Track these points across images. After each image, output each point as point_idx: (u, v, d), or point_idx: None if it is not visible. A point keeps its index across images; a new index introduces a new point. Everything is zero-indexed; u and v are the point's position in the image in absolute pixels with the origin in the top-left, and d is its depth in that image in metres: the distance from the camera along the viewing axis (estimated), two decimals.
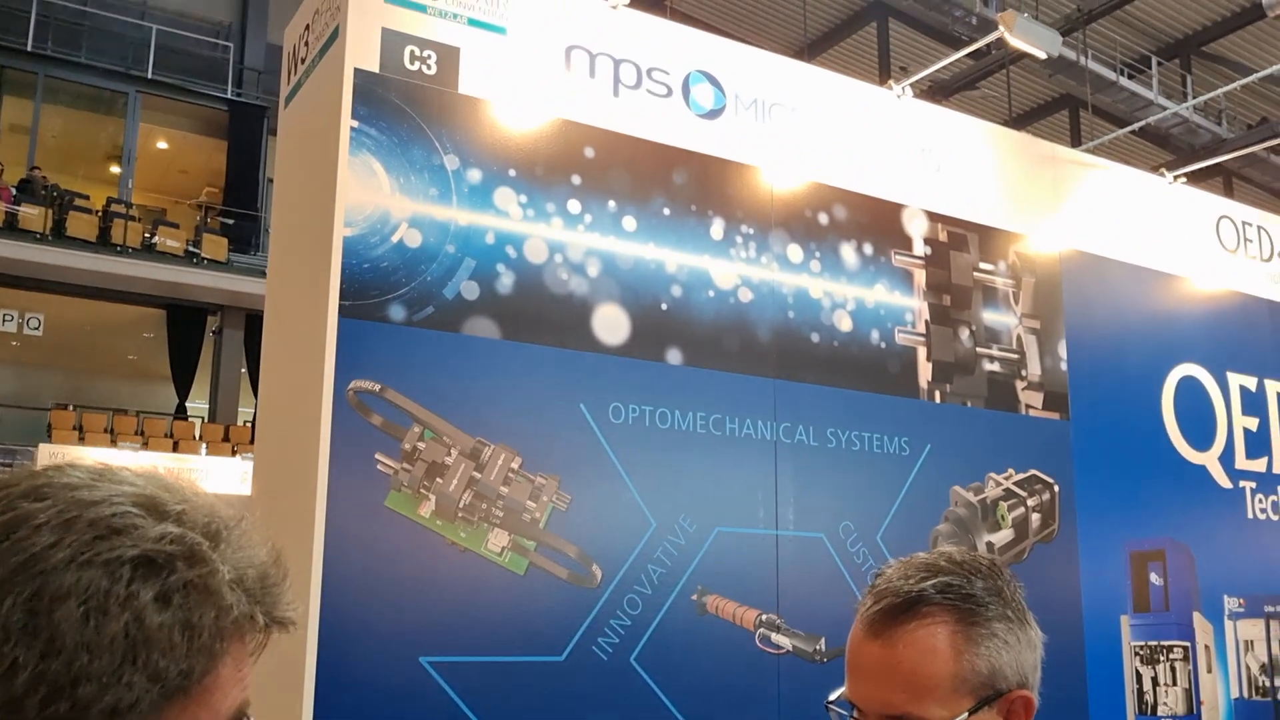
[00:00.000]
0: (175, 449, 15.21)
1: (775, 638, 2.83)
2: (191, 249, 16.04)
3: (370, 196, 2.52)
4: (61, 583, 0.91)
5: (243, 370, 16.65)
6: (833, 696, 1.67)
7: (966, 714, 1.52)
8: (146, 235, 15.74)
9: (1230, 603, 3.86)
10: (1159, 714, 3.60)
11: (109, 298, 15.87)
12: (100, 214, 15.60)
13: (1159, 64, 16.82)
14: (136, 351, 19.08)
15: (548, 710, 2.52)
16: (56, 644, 0.90)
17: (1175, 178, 4.09)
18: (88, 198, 15.87)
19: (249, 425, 15.98)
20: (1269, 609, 3.97)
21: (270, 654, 2.31)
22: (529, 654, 2.52)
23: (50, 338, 16.27)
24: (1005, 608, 1.57)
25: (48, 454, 13.22)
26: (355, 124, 2.53)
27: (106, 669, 0.91)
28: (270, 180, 16.04)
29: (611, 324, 2.76)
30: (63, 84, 16.71)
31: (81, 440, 14.66)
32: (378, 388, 2.45)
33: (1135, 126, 16.04)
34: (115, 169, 17.73)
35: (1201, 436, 3.90)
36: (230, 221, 17.02)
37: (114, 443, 14.75)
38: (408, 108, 2.60)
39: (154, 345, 17.61)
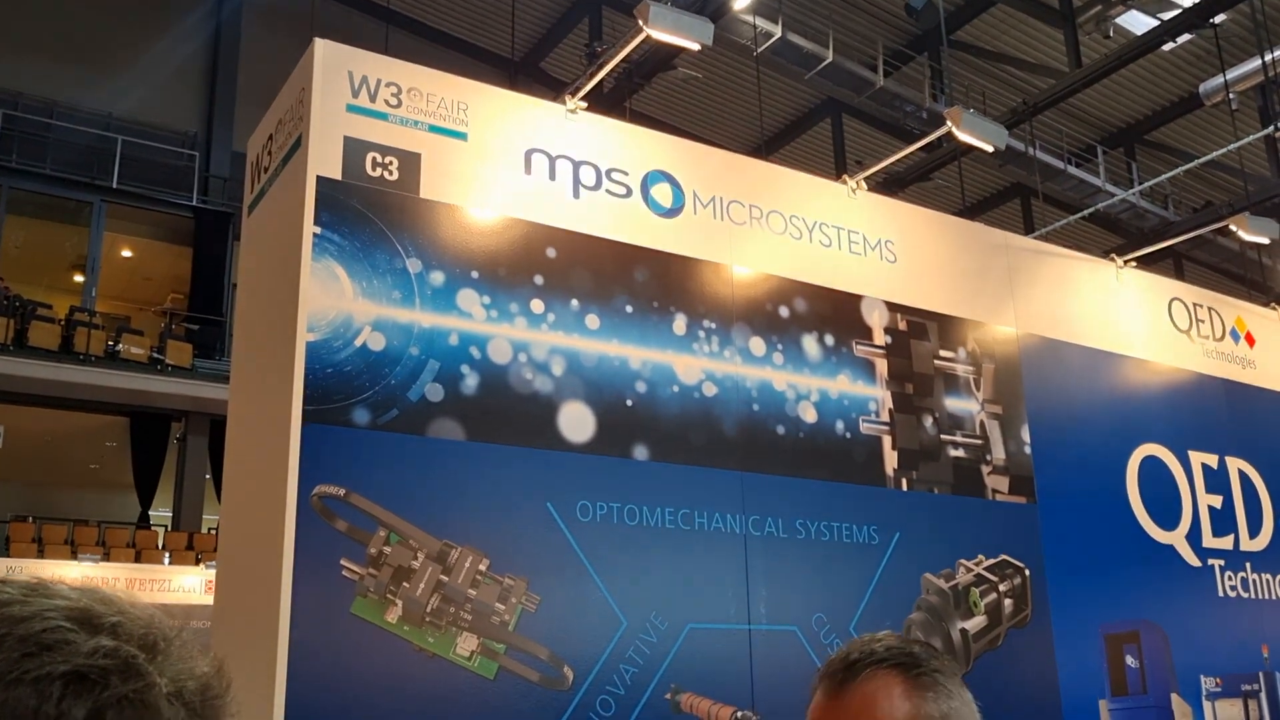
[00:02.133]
0: (138, 559, 14.90)
1: None
2: (155, 355, 15.94)
3: (333, 301, 2.53)
4: None
5: (207, 477, 16.42)
6: None
7: None
8: (110, 343, 15.64)
9: (1207, 683, 3.84)
10: None
11: (71, 406, 15.70)
12: (63, 323, 15.52)
13: (1104, 152, 17.30)
14: (99, 460, 18.81)
15: None
16: None
17: (1125, 262, 4.19)
18: (50, 307, 15.79)
19: (213, 533, 15.72)
20: (1246, 688, 3.96)
21: None
22: None
23: (10, 449, 16.01)
24: (943, 665, 1.66)
25: (4, 568, 12.91)
26: (318, 230, 2.55)
27: None
28: (235, 285, 16.06)
29: (577, 422, 2.76)
30: (27, 195, 16.76)
31: (41, 553, 14.32)
32: (342, 492, 2.43)
33: (1085, 213, 16.43)
34: (79, 277, 17.69)
35: (1168, 516, 3.92)
36: (195, 327, 16.97)
37: (74, 554, 14.43)
38: (370, 213, 2.63)
39: (117, 454, 17.38)
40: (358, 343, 2.54)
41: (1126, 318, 4.09)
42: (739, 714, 2.79)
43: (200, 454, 16.37)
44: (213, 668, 1.05)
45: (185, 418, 16.42)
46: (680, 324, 2.99)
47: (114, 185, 16.90)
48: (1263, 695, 4.01)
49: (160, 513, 17.35)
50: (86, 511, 17.82)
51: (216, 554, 2.96)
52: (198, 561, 14.95)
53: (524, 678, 2.53)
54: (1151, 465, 3.93)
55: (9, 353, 14.50)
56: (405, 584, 2.44)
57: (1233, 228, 5.78)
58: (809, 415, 3.15)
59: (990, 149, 5.86)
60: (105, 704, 0.93)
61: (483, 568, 2.54)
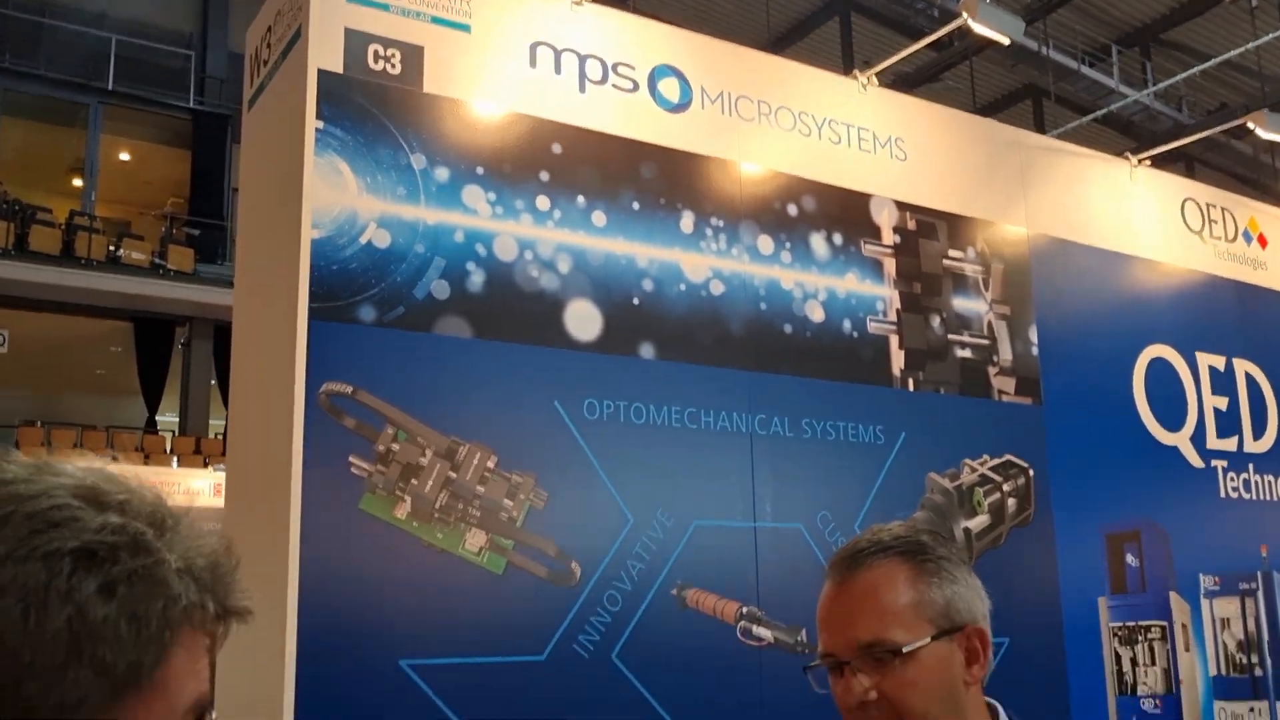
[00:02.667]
0: (146, 462, 15.05)
1: (756, 630, 2.83)
2: (157, 261, 15.89)
3: (337, 197, 2.50)
4: None
5: (212, 383, 16.50)
6: (809, 664, 1.75)
7: (929, 639, 1.62)
8: (111, 248, 15.58)
9: (1206, 581, 3.89)
10: (1139, 694, 3.62)
11: (75, 311, 15.70)
12: (63, 227, 15.43)
13: (1119, 52, 16.98)
14: (104, 366, 18.88)
15: (530, 710, 2.50)
16: None
17: (1140, 161, 4.12)
18: (50, 211, 15.69)
19: (220, 438, 15.84)
20: (1244, 586, 4.01)
21: (250, 659, 2.31)
22: (509, 654, 2.50)
23: (16, 354, 16.06)
24: (950, 551, 1.71)
25: None
26: (320, 125, 2.50)
27: (50, 665, 0.88)
28: (235, 190, 15.92)
29: (584, 320, 2.75)
30: (21, 96, 16.52)
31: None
32: (350, 390, 2.43)
33: (1098, 114, 16.19)
34: (77, 181, 17.54)
35: (1173, 417, 3.93)
36: (196, 232, 16.88)
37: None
38: (373, 107, 2.58)
39: (122, 359, 17.43)
40: (363, 240, 2.51)
41: (1139, 218, 4.05)
42: (744, 609, 2.83)
43: (205, 359, 16.42)
44: (221, 545, 1.05)
45: (189, 323, 16.42)
46: (688, 221, 2.95)
47: (110, 87, 16.64)
48: (1260, 594, 4.06)
49: (167, 418, 17.47)
50: (94, 416, 17.96)
51: (225, 455, 2.97)
52: (205, 465, 15.10)
53: (532, 573, 2.56)
54: (1158, 367, 3.92)
55: (10, 257, 14.45)
56: (414, 480, 2.45)
57: (1251, 125, 5.69)
58: (816, 314, 3.13)
59: (1006, 42, 5.73)
60: (115, 579, 0.93)
61: (490, 465, 2.55)
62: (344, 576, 2.36)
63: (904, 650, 1.62)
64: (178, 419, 17.00)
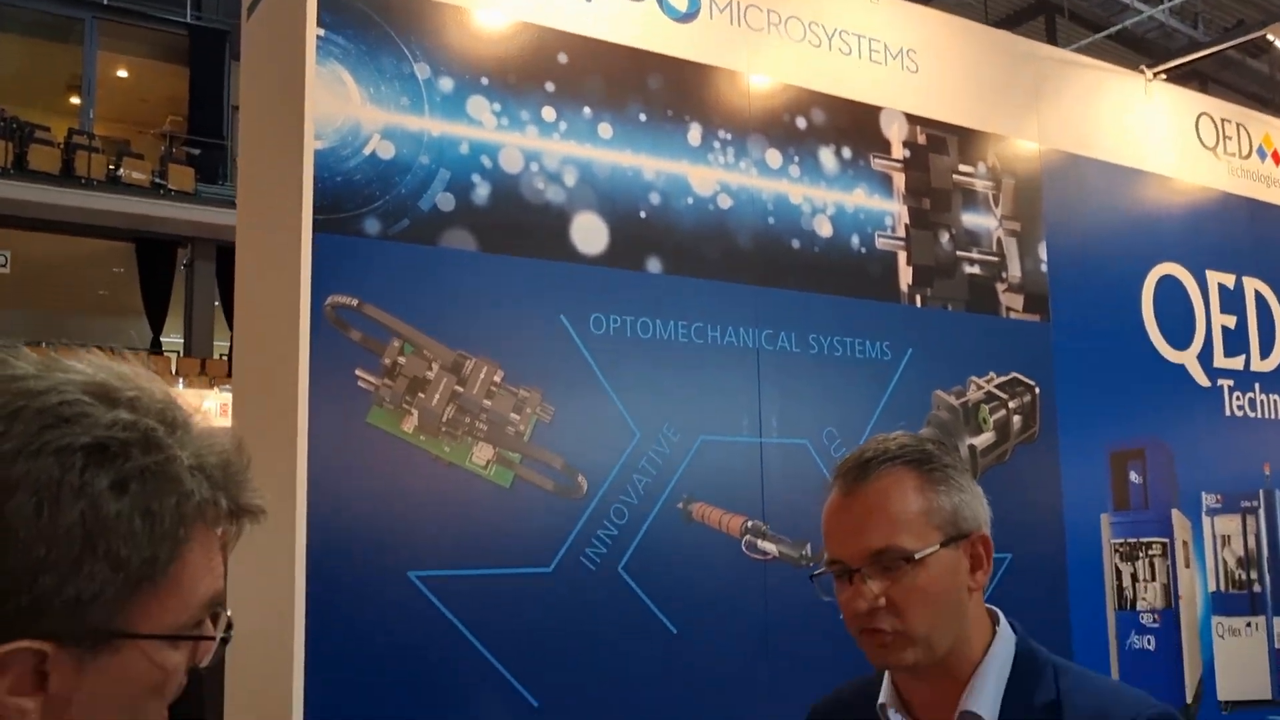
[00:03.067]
0: None
1: (761, 544, 2.85)
2: (157, 180, 15.76)
3: (340, 107, 2.46)
4: (10, 474, 0.88)
5: (216, 304, 16.48)
6: (815, 572, 1.76)
7: (937, 546, 1.63)
8: (110, 167, 15.44)
9: (1208, 499, 3.91)
10: (1138, 609, 3.66)
11: (76, 232, 15.61)
12: (62, 146, 15.28)
13: None
14: (108, 287, 18.85)
15: (535, 620, 2.53)
16: (10, 536, 0.87)
17: (1155, 75, 4.05)
18: (48, 130, 15.52)
19: (225, 359, 15.89)
20: (1245, 504, 4.03)
21: (260, 573, 2.32)
22: (517, 566, 2.52)
23: (19, 275, 16.03)
24: (956, 461, 1.73)
25: None
26: (321, 33, 2.45)
27: (65, 560, 0.88)
28: (235, 108, 15.73)
29: (590, 233, 2.72)
30: (15, 11, 16.24)
31: None
32: (355, 302, 2.41)
33: (1111, 31, 15.88)
34: (75, 99, 17.32)
35: (1180, 336, 3.91)
36: (196, 151, 16.71)
37: None
38: (375, 15, 2.52)
39: (125, 280, 17.38)
40: (366, 151, 2.48)
41: (1152, 134, 3.99)
42: (749, 524, 2.84)
43: (208, 280, 16.37)
44: (232, 444, 1.04)
45: (190, 244, 16.33)
46: (695, 134, 2.91)
47: (104, 1, 16.34)
48: (1261, 512, 4.08)
49: (172, 339, 17.48)
50: (98, 337, 17.96)
51: (231, 373, 2.96)
52: (211, 386, 15.15)
53: (539, 486, 2.57)
54: (1168, 284, 3.90)
55: (9, 176, 14.33)
56: (420, 394, 2.45)
57: (1271, 37, 5.58)
58: (824, 229, 3.10)
59: None
60: (128, 475, 0.93)
61: (497, 379, 2.54)
62: (352, 490, 2.37)
63: (915, 557, 1.64)
64: (182, 341, 17.01)
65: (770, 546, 2.86)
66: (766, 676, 2.80)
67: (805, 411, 2.99)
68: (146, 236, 16.24)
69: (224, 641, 1.06)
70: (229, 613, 1.05)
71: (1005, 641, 1.77)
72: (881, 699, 1.83)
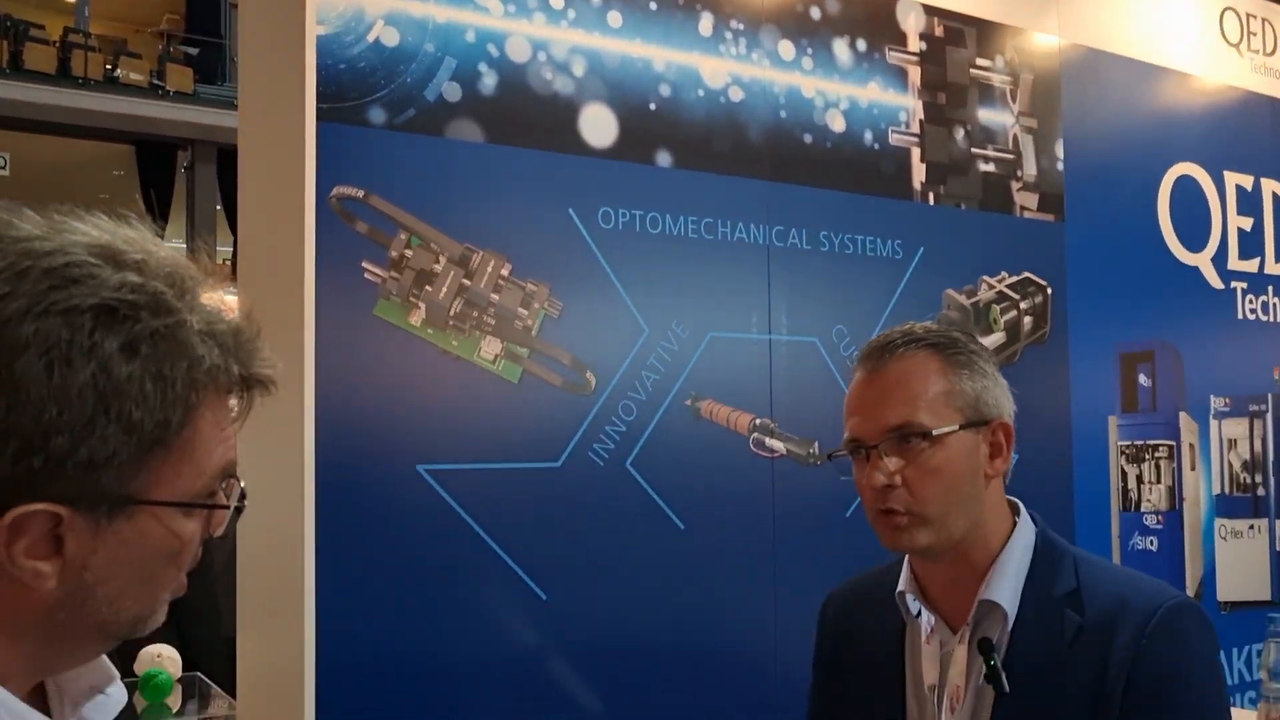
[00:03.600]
0: None
1: (769, 442, 2.85)
2: (155, 81, 15.53)
3: None
4: (19, 334, 0.87)
5: (218, 208, 16.37)
6: (833, 451, 1.77)
7: (956, 427, 1.63)
8: (108, 67, 15.20)
9: (1216, 402, 3.91)
10: (1142, 510, 3.68)
11: (74, 134, 15.44)
12: (58, 45, 15.03)
13: None
14: (108, 190, 18.69)
15: (545, 515, 2.54)
16: (22, 396, 0.86)
17: None
18: (43, 27, 15.25)
19: (228, 263, 15.83)
20: (1253, 408, 4.03)
21: (270, 466, 2.31)
22: (525, 460, 2.53)
23: (18, 178, 15.90)
24: (982, 351, 1.73)
25: None
26: None
27: (77, 421, 0.88)
28: (233, 5, 15.41)
29: (599, 125, 2.66)
30: None
31: None
32: (361, 194, 2.37)
33: None
34: None
35: (1195, 237, 3.86)
36: (194, 51, 16.43)
37: None
38: None
39: (125, 183, 17.24)
40: (370, 38, 2.41)
41: (1176, 28, 3.88)
42: (756, 421, 2.84)
43: (209, 183, 16.23)
44: (242, 312, 1.02)
45: (190, 146, 16.15)
46: (706, 24, 2.83)
47: None
48: (1269, 415, 4.08)
49: (174, 244, 17.40)
50: None
51: (236, 272, 2.93)
52: (214, 289, 15.05)
53: (548, 381, 2.56)
54: (1184, 185, 3.83)
55: (5, 76, 14.12)
56: (428, 287, 2.43)
57: None
58: (837, 124, 3.03)
59: None
60: (138, 338, 0.91)
61: (505, 273, 2.51)
62: (360, 383, 2.35)
63: (932, 434, 1.64)
64: (184, 244, 16.94)
65: (778, 444, 2.86)
66: (773, 573, 2.82)
67: (815, 309, 2.96)
68: (146, 139, 16.05)
69: (238, 511, 1.06)
70: (242, 483, 1.05)
71: (1025, 532, 1.77)
72: (900, 586, 1.84)
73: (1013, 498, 1.80)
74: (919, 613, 1.79)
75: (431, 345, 2.43)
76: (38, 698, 1.03)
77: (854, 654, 1.91)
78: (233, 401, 1.03)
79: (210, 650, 4.12)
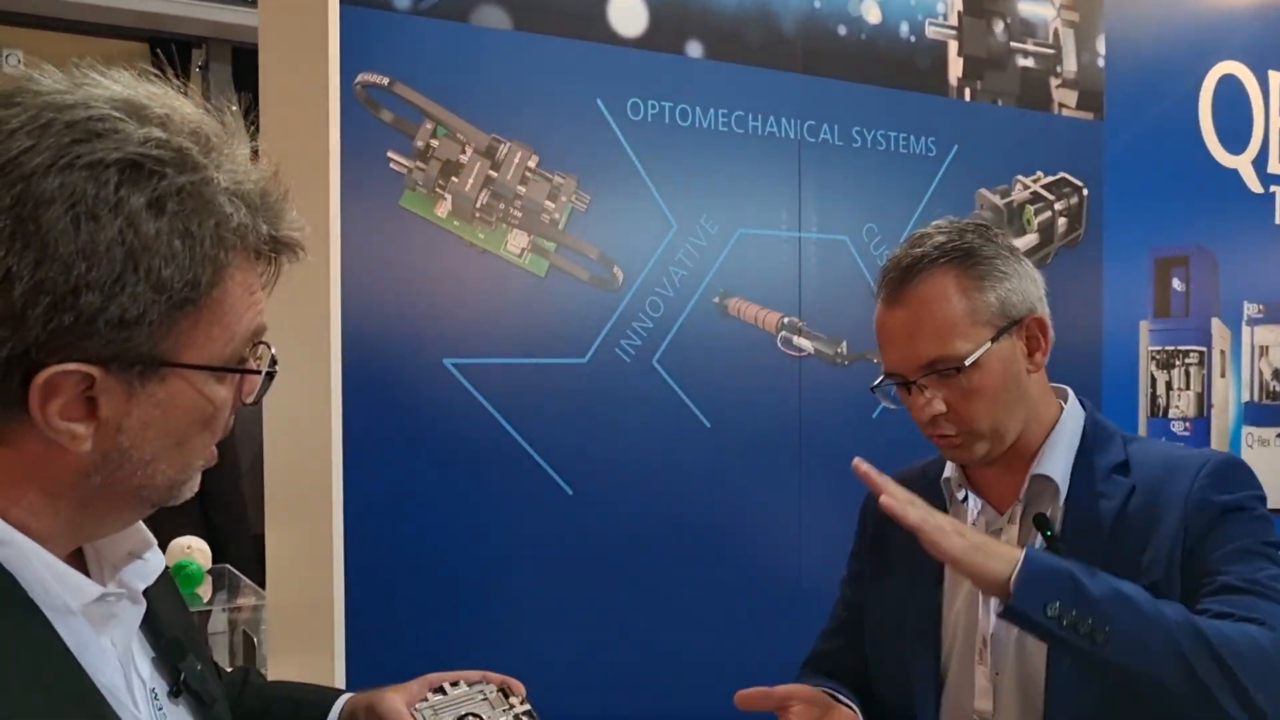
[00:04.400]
0: None
1: (797, 340, 2.82)
2: None
3: None
4: (44, 188, 0.85)
5: (234, 109, 16.19)
6: (875, 383, 1.77)
7: (989, 343, 1.64)
8: None
9: (1250, 309, 3.85)
10: (1169, 416, 3.65)
11: (88, 31, 15.23)
12: None
13: None
14: None
15: (571, 410, 2.53)
16: (50, 251, 0.85)
17: None
18: None
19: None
20: None
21: (297, 359, 2.28)
22: (552, 356, 2.51)
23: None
24: (998, 249, 1.71)
25: None
26: None
27: (107, 278, 0.87)
28: None
29: (628, 13, 2.59)
30: None
31: None
32: (386, 81, 2.32)
33: None
34: None
35: (1236, 139, 3.76)
36: None
37: None
38: None
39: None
40: None
41: None
42: (785, 320, 2.81)
43: (224, 83, 16.05)
44: (268, 172, 1.00)
45: (205, 44, 15.94)
46: None
47: None
48: None
49: None
50: None
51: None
52: None
53: (575, 276, 2.53)
54: (1227, 84, 3.72)
55: None
56: (454, 178, 2.38)
57: None
58: (873, 15, 2.94)
59: None
60: (164, 194, 0.89)
61: (532, 164, 2.46)
62: (386, 275, 2.33)
63: (965, 364, 1.65)
64: None
65: (806, 343, 2.83)
66: (798, 472, 2.82)
67: (846, 207, 2.90)
68: (161, 37, 15.85)
69: (269, 376, 1.05)
70: (273, 349, 1.04)
71: (1074, 414, 1.80)
72: (946, 474, 1.86)
73: (1060, 384, 1.81)
74: (965, 498, 1.82)
75: (457, 238, 2.39)
76: (77, 562, 1.03)
77: (896, 539, 1.92)
78: (260, 262, 1.02)
79: (238, 546, 4.19)
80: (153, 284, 0.89)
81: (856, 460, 1.58)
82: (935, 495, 1.87)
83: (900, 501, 1.51)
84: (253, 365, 1.02)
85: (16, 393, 0.89)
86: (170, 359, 0.94)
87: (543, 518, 2.50)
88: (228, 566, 3.41)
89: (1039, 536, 1.68)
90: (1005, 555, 1.47)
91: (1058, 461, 1.72)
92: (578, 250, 2.53)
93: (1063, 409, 1.77)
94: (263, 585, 2.98)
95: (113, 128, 0.89)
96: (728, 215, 2.72)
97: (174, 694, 1.13)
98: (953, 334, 1.63)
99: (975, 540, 1.50)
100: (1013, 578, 1.44)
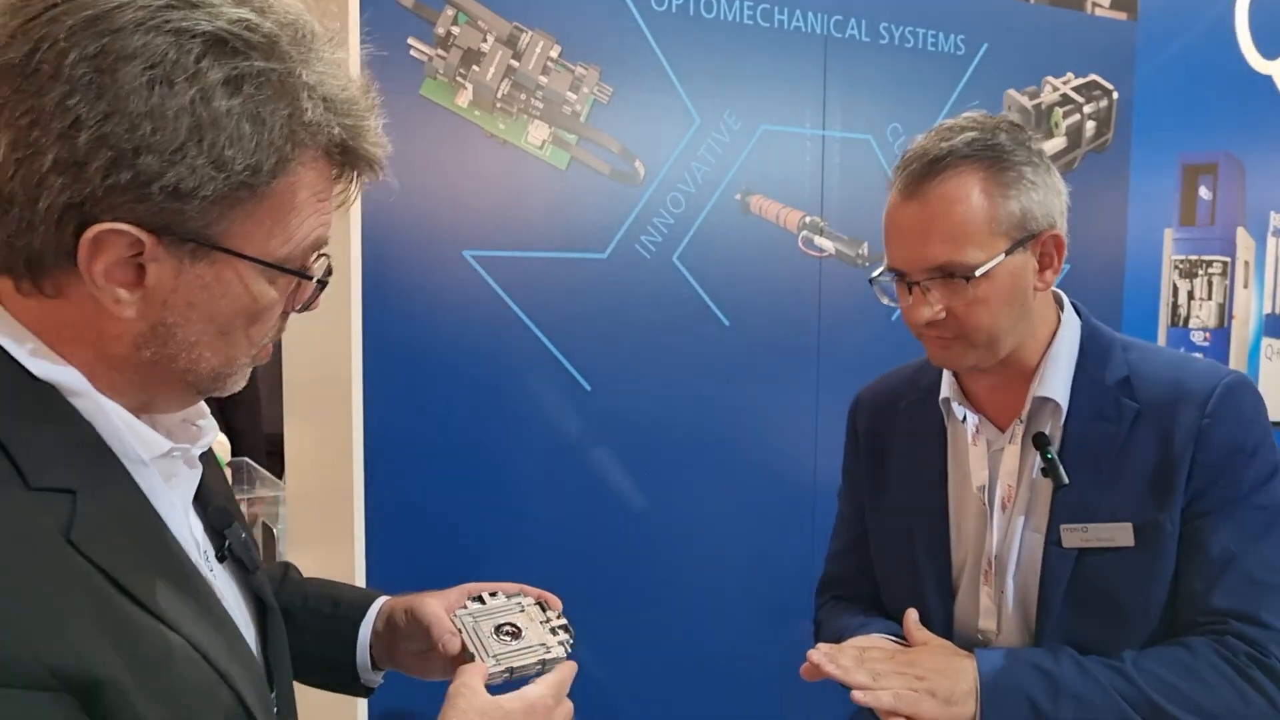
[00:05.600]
0: None
1: (818, 240, 2.80)
2: None
3: None
4: (128, 44, 0.85)
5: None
6: (874, 274, 1.69)
7: (1003, 255, 1.56)
8: None
9: (1276, 219, 3.79)
10: (1190, 326, 3.63)
11: None
12: None
13: None
14: None
15: (590, 305, 2.53)
16: (120, 106, 0.85)
17: None
18: None
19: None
20: None
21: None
22: (572, 250, 2.49)
23: None
24: (1030, 155, 1.61)
25: None
26: None
27: (169, 144, 0.87)
28: None
29: None
30: None
31: None
32: None
33: None
34: None
35: (1272, 44, 3.67)
36: None
37: None
38: None
39: None
40: None
41: None
42: (806, 219, 2.78)
43: None
44: (362, 82, 0.99)
45: None
46: None
47: None
48: None
49: None
50: None
51: None
52: None
53: (596, 170, 2.50)
54: None
55: None
56: (475, 67, 2.34)
57: None
58: None
59: None
60: (243, 74, 0.90)
61: (554, 55, 2.42)
62: (407, 165, 2.31)
63: (976, 274, 1.55)
64: None
65: (827, 243, 2.81)
66: (816, 372, 2.82)
67: (871, 105, 2.85)
68: None
69: (321, 285, 1.05)
70: (330, 259, 1.03)
71: (1071, 326, 1.72)
72: (944, 394, 1.80)
73: (1056, 290, 1.74)
74: (964, 417, 1.77)
75: (478, 128, 2.36)
76: None
77: (892, 450, 1.90)
78: (334, 171, 1.01)
79: (253, 440, 4.24)
80: (213, 160, 0.89)
81: (808, 664, 1.58)
82: (931, 411, 1.83)
83: (870, 691, 1.52)
84: (308, 272, 1.02)
85: (69, 244, 0.90)
86: (221, 243, 0.94)
87: (560, 412, 2.51)
88: (246, 460, 3.45)
89: (1038, 457, 1.66)
90: (966, 698, 1.52)
91: (1058, 380, 1.66)
92: (599, 143, 2.49)
93: (1060, 318, 1.71)
94: (281, 476, 3.01)
95: (209, 1, 0.89)
96: (751, 111, 2.68)
97: (221, 559, 1.15)
98: (968, 240, 1.53)
99: (942, 694, 1.52)
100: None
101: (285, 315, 1.07)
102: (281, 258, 0.99)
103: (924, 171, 1.57)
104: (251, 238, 0.95)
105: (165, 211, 0.89)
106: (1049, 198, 1.61)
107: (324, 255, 1.04)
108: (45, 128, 0.85)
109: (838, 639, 1.73)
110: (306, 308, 1.07)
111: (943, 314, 1.58)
